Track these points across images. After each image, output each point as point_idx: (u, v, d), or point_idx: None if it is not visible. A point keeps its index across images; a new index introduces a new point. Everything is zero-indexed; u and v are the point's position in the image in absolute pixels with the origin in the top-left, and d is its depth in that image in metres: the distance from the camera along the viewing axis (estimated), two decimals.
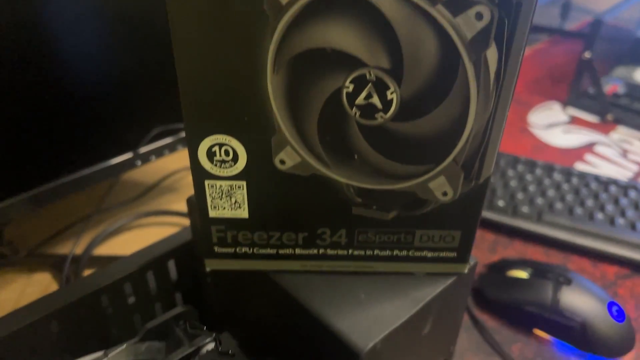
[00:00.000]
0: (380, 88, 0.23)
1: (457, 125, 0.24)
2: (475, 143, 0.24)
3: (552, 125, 0.78)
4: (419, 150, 0.25)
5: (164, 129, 0.51)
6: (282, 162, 0.25)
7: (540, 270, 0.50)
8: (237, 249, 0.29)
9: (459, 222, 0.27)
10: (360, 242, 0.28)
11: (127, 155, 0.50)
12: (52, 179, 0.45)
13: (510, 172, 0.64)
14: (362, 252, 0.29)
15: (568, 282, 0.48)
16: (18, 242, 0.54)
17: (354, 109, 0.23)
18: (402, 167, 0.25)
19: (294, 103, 0.23)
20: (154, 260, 0.35)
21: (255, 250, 0.29)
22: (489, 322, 0.50)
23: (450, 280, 0.29)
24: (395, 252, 0.29)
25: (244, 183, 0.26)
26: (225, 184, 0.26)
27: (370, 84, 0.23)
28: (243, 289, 0.33)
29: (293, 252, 0.29)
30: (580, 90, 0.84)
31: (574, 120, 0.80)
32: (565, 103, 0.85)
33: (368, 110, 0.23)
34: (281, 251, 0.29)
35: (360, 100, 0.23)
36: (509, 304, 0.49)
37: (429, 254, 0.29)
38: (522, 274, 0.50)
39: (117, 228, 0.56)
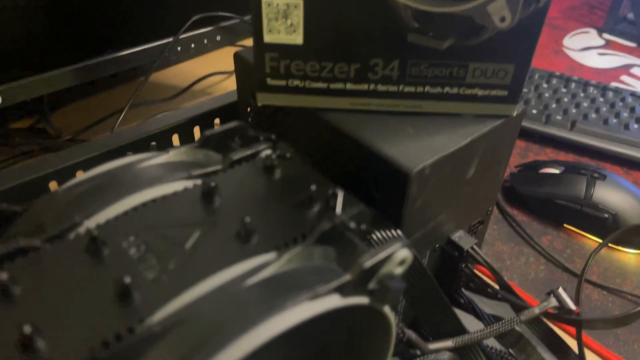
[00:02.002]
0: None
1: None
2: None
3: (588, 48, 0.77)
4: None
5: (204, 15, 0.51)
6: None
7: (573, 167, 0.50)
8: (289, 82, 0.29)
9: (513, 54, 0.27)
10: (412, 77, 0.28)
11: (168, 39, 0.50)
12: (97, 55, 0.46)
13: (544, 85, 0.63)
14: (412, 89, 0.29)
15: (602, 177, 0.48)
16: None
17: None
18: None
19: None
20: (201, 115, 0.36)
21: (306, 83, 0.29)
22: (520, 216, 0.50)
23: (498, 122, 0.29)
24: (446, 89, 0.29)
25: (301, 2, 0.26)
26: (282, 2, 0.26)
27: None
28: (291, 128, 0.33)
29: (344, 87, 0.29)
30: (618, 16, 0.81)
31: (610, 45, 0.78)
32: (602, 29, 0.83)
33: None
34: (332, 86, 0.29)
35: None
36: (541, 198, 0.49)
37: (480, 92, 0.29)
38: (554, 170, 0.50)
39: None
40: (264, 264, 0.19)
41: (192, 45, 0.52)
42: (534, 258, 0.46)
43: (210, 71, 0.67)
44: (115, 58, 0.46)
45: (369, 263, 0.19)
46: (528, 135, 0.59)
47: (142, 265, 0.19)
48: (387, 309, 0.21)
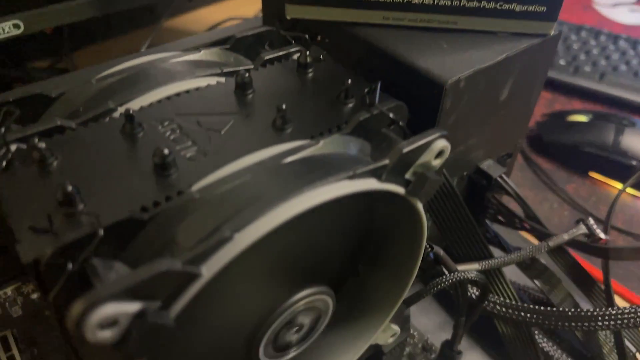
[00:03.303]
0: None
1: None
2: None
3: (619, 4, 0.74)
4: None
5: None
6: None
7: (602, 115, 0.49)
8: None
9: None
10: None
11: None
12: None
13: (573, 38, 0.62)
14: (448, 2, 0.28)
15: (632, 125, 0.47)
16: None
17: None
18: None
19: None
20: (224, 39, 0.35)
21: None
22: (544, 164, 0.49)
23: (535, 41, 0.29)
24: (483, 3, 0.28)
25: None
26: None
27: None
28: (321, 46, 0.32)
29: None
30: None
31: None
32: None
33: None
34: None
35: None
36: (567, 146, 0.48)
37: (518, 7, 0.28)
38: (582, 117, 0.49)
39: None
40: (301, 147, 0.19)
41: None
42: (557, 205, 0.46)
43: (228, 16, 0.66)
44: None
45: (407, 148, 0.19)
46: (555, 86, 0.57)
47: (179, 146, 0.19)
48: (420, 206, 0.21)
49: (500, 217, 0.34)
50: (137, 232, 0.16)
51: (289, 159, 0.18)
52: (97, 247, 0.16)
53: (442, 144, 0.19)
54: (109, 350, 0.15)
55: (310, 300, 0.21)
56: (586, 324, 0.28)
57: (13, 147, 0.19)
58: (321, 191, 0.17)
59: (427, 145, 0.19)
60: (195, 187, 0.17)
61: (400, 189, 0.19)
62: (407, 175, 0.20)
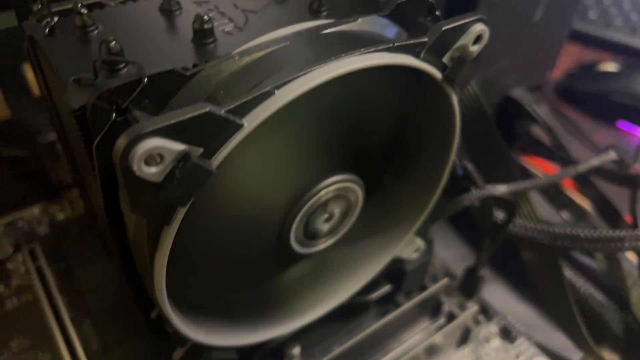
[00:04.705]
0: None
1: None
2: None
3: None
4: None
5: None
6: None
7: (632, 65, 0.48)
8: None
9: None
10: None
11: None
12: None
13: None
14: None
15: None
16: None
17: None
18: None
19: None
20: None
21: None
22: (572, 114, 0.49)
23: None
24: None
25: None
26: None
27: None
28: None
29: None
30: None
31: None
32: None
33: None
34: None
35: None
36: (595, 95, 0.47)
37: None
38: (612, 67, 0.48)
39: None
40: (338, 22, 0.19)
41: None
42: (583, 153, 0.45)
43: None
44: None
45: (447, 26, 0.19)
46: (585, 40, 0.56)
47: (216, 23, 0.19)
48: (455, 99, 0.21)
49: (528, 149, 0.34)
50: (178, 90, 0.17)
51: (327, 30, 0.18)
52: (140, 100, 0.16)
53: (480, 27, 0.19)
54: (150, 197, 0.15)
55: (340, 186, 0.21)
56: (612, 244, 0.28)
57: (55, 19, 0.19)
58: (360, 58, 0.17)
59: (466, 27, 0.19)
60: (235, 52, 0.17)
61: (437, 72, 0.19)
62: (445, 60, 0.20)
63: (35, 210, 0.36)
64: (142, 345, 0.28)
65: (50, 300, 0.30)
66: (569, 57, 0.56)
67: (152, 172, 0.14)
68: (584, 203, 0.33)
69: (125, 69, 0.16)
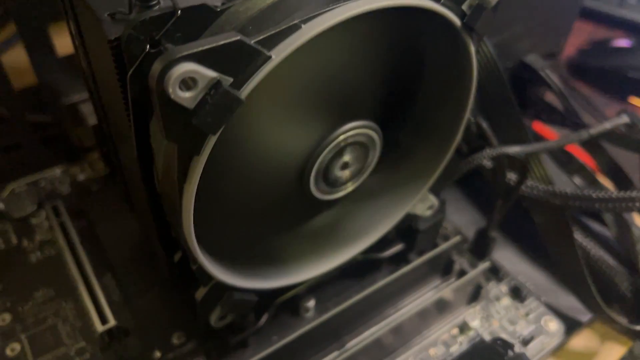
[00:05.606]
0: None
1: None
2: None
3: None
4: None
5: None
6: None
7: None
8: None
9: None
10: None
11: None
12: None
13: None
14: None
15: None
16: None
17: None
18: None
19: None
20: None
21: None
22: (584, 89, 0.49)
23: None
24: None
25: None
26: None
27: None
28: None
29: None
30: None
31: None
32: None
33: None
34: None
35: None
36: (608, 70, 0.47)
37: None
38: (625, 43, 0.48)
39: None
40: None
41: None
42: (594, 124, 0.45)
43: None
44: None
45: None
46: (598, 18, 0.56)
47: None
48: (472, 49, 0.22)
49: (541, 115, 0.34)
50: (207, 26, 0.17)
51: None
52: (173, 33, 0.17)
53: None
54: (183, 124, 0.16)
55: (358, 132, 0.22)
56: (624, 204, 0.28)
57: None
58: None
59: None
60: None
61: (456, 19, 0.20)
62: (464, 7, 0.20)
63: (57, 171, 0.37)
64: (162, 295, 0.29)
65: (73, 253, 0.31)
66: (582, 34, 0.56)
67: (186, 96, 0.15)
68: (595, 169, 0.34)
69: (157, 6, 0.17)
